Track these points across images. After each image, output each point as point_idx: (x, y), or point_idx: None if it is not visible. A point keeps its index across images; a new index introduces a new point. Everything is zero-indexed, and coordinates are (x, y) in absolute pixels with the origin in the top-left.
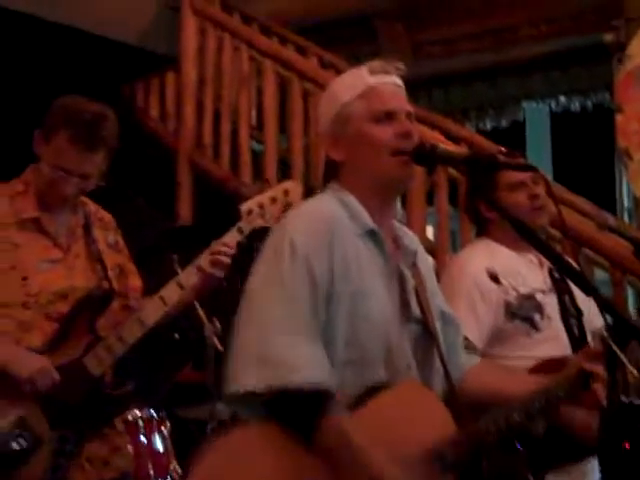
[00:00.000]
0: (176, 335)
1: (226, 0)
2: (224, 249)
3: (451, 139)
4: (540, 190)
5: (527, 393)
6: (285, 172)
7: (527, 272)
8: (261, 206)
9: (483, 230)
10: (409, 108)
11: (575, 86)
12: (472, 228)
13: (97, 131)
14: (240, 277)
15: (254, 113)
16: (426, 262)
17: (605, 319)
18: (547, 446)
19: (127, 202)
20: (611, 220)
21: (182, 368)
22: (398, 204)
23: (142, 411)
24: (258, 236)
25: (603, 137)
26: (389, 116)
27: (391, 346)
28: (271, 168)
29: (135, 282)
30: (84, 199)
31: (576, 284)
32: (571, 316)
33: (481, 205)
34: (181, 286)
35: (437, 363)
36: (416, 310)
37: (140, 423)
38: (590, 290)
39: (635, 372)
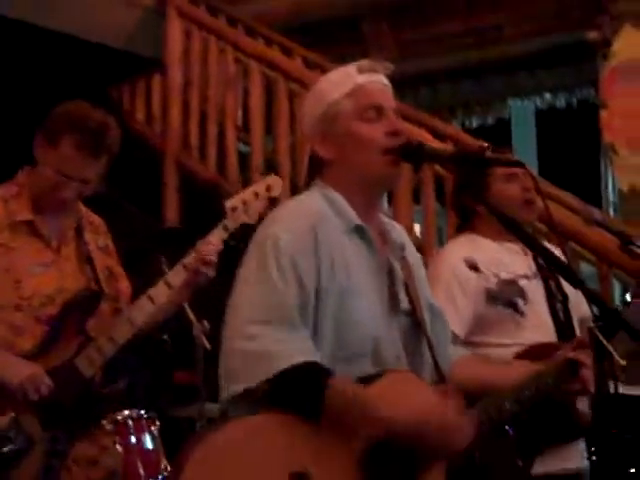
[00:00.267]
0: (165, 336)
1: (211, 2)
2: (210, 247)
3: (437, 137)
4: (530, 184)
5: (517, 382)
6: (272, 173)
7: (510, 260)
8: (245, 202)
9: (468, 225)
10: (395, 106)
11: (560, 83)
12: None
13: (103, 139)
14: (227, 275)
15: (240, 114)
16: (414, 255)
17: (592, 310)
18: (536, 430)
19: (116, 205)
20: (597, 214)
21: (172, 368)
22: (385, 202)
23: (131, 411)
24: (243, 233)
25: (588, 133)
26: (378, 113)
27: (379, 340)
28: (257, 169)
29: (124, 285)
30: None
31: (563, 276)
32: (557, 301)
33: (468, 200)
34: (169, 285)
35: (426, 354)
36: (405, 302)
37: (130, 423)
38: (576, 282)
39: (622, 362)
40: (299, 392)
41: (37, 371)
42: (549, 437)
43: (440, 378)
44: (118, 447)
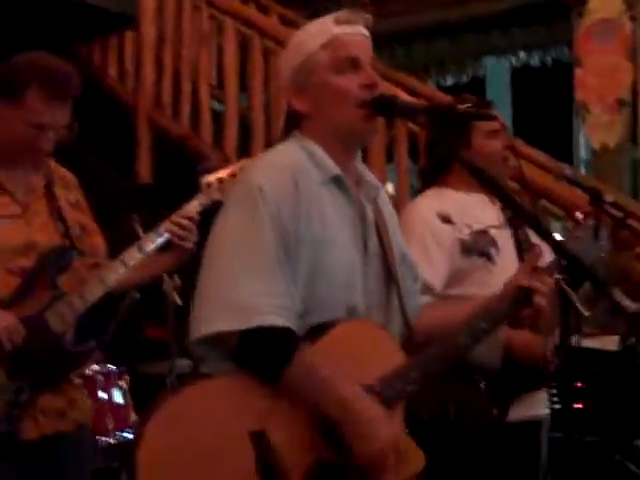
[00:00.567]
0: (136, 293)
1: None
2: (183, 220)
3: (413, 95)
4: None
5: (470, 315)
6: (246, 131)
7: (480, 211)
8: (221, 181)
9: (437, 178)
10: (373, 58)
11: (535, 41)
12: None
13: (69, 84)
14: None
15: (214, 72)
16: (388, 205)
17: (559, 262)
18: (507, 378)
19: (86, 161)
20: (568, 170)
21: (142, 324)
22: (359, 158)
23: (101, 366)
24: (215, 209)
25: (562, 91)
26: (354, 65)
27: (352, 291)
28: (232, 127)
29: (98, 241)
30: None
31: (531, 227)
32: (525, 250)
33: (441, 154)
34: (141, 250)
35: (395, 302)
36: (376, 247)
37: (99, 377)
38: (544, 233)
39: (586, 312)
40: (264, 357)
41: (12, 321)
42: (519, 386)
43: (407, 327)
44: (88, 401)
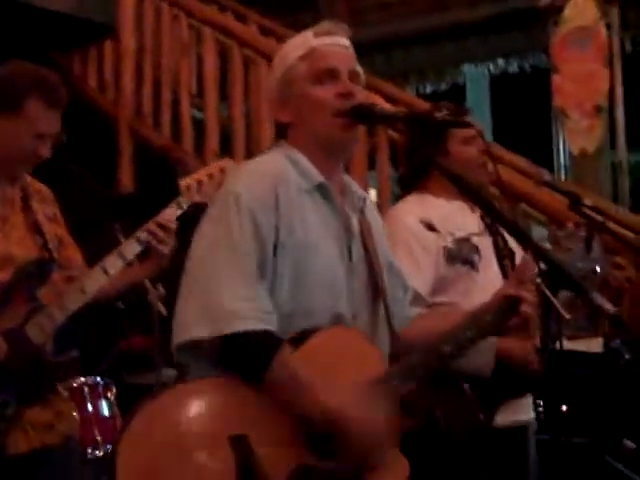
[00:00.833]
0: (120, 303)
1: None
2: (163, 225)
3: (392, 103)
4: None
5: (456, 324)
6: (227, 140)
7: (461, 218)
8: (199, 182)
9: (417, 184)
10: (353, 67)
11: (512, 48)
12: None
13: (62, 94)
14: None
15: (194, 81)
16: (374, 212)
17: (539, 266)
18: (495, 385)
19: (67, 172)
20: (547, 175)
21: (127, 335)
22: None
23: (87, 378)
24: (197, 211)
25: (541, 98)
26: (331, 76)
27: (337, 297)
28: (213, 136)
29: (75, 254)
30: None
31: (511, 233)
32: (505, 257)
33: (420, 161)
34: (122, 257)
35: (382, 312)
36: (361, 257)
37: (86, 390)
38: (523, 238)
39: (567, 315)
40: (245, 360)
41: None
42: (505, 392)
43: (392, 336)
44: (74, 414)
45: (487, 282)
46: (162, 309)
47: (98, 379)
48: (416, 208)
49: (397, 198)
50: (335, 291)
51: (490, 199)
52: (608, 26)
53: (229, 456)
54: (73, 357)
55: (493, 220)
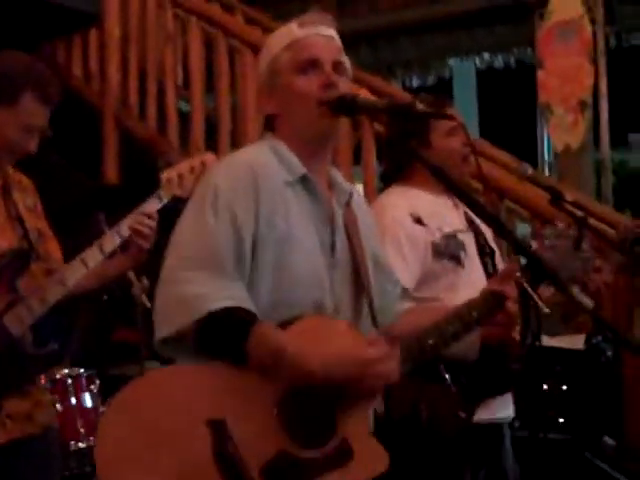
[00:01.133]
0: (104, 296)
1: None
2: (144, 218)
3: (377, 95)
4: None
5: (441, 318)
6: (212, 130)
7: (446, 213)
8: (180, 176)
9: (399, 175)
10: (338, 58)
11: (498, 43)
12: None
13: (57, 91)
14: (164, 233)
15: (180, 71)
16: (363, 207)
17: (519, 261)
18: (476, 382)
19: (49, 163)
20: (530, 170)
21: (112, 327)
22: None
23: (71, 369)
24: (178, 203)
25: (526, 93)
26: (313, 66)
27: (319, 290)
28: (198, 126)
29: (54, 247)
30: None
31: (493, 229)
32: (486, 254)
33: (403, 152)
34: (102, 250)
35: (365, 306)
36: (344, 251)
37: (69, 381)
38: (505, 233)
39: (546, 309)
40: (223, 337)
41: None
42: (487, 389)
43: (375, 329)
44: (58, 405)
45: (471, 278)
46: (146, 302)
47: (81, 371)
48: (403, 201)
49: (380, 191)
50: (317, 283)
51: (472, 192)
52: (593, 21)
53: (207, 440)
54: (53, 350)
55: (475, 214)
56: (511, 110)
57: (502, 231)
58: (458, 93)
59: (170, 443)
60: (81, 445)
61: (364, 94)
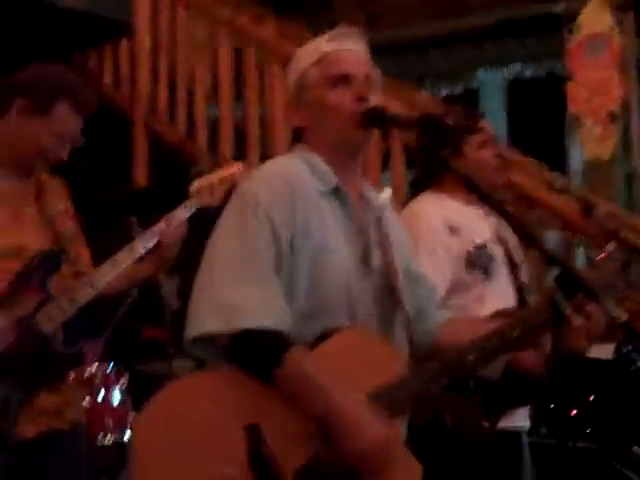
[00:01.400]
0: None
1: None
2: (174, 225)
3: (408, 106)
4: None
5: (483, 334)
6: (240, 140)
7: (477, 223)
8: (211, 185)
9: (430, 183)
10: (367, 72)
11: (528, 54)
12: None
13: (92, 102)
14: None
15: (209, 81)
16: (396, 220)
17: (553, 273)
18: (500, 391)
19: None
20: (560, 181)
21: (140, 324)
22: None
23: (100, 366)
24: (208, 213)
25: (556, 104)
26: (344, 80)
27: (352, 300)
28: (226, 135)
29: (84, 251)
30: None
31: (525, 240)
32: (514, 266)
33: (437, 162)
34: (132, 253)
35: (398, 318)
36: (378, 265)
37: (98, 377)
38: (536, 243)
39: (578, 321)
40: (254, 357)
41: (3, 324)
42: (511, 400)
43: (411, 345)
44: (87, 399)
45: (500, 291)
46: (174, 302)
47: (110, 367)
48: (435, 208)
49: (409, 199)
50: (351, 294)
51: (504, 203)
52: (622, 32)
53: (242, 445)
54: (78, 351)
55: (511, 226)
56: (541, 121)
57: (533, 242)
58: (485, 103)
59: (206, 447)
60: (108, 440)
61: (395, 106)
